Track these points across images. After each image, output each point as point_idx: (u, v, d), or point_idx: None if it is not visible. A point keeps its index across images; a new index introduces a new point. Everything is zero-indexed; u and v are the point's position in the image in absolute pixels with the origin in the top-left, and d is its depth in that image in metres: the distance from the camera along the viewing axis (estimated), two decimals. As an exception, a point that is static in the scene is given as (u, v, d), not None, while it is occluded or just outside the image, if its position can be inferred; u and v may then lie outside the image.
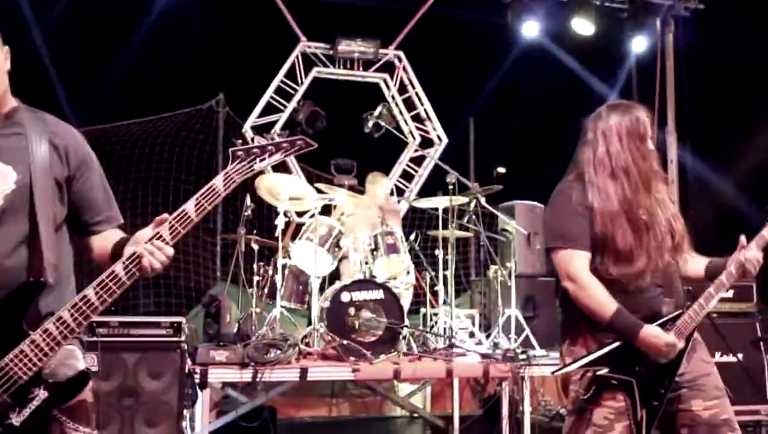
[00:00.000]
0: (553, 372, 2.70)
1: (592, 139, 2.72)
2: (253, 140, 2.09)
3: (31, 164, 2.03)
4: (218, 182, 2.01)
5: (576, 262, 2.59)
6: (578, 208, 2.62)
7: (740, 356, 5.19)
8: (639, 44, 8.60)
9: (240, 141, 2.09)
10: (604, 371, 2.50)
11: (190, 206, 1.99)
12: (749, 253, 2.60)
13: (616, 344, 2.52)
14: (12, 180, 2.01)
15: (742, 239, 2.63)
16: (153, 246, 1.94)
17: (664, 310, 2.59)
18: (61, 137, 2.13)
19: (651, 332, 2.50)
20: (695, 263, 2.74)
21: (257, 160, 2.03)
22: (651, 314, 2.56)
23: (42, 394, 1.87)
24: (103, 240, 2.17)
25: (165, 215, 2.00)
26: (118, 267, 1.93)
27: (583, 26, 8.36)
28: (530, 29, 8.43)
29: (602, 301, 2.53)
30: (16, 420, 1.84)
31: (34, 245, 1.98)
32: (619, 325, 2.51)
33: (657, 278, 2.59)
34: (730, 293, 5.26)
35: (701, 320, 2.60)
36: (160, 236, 1.96)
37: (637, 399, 2.49)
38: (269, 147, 2.05)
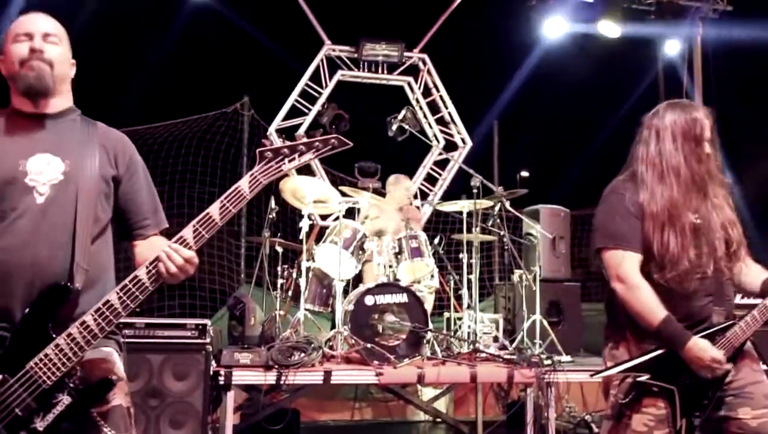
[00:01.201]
0: (592, 375, 2.65)
1: (647, 136, 2.64)
2: (283, 139, 2.02)
3: (79, 159, 2.06)
4: (243, 184, 1.96)
5: (627, 263, 2.51)
6: (631, 208, 2.54)
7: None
8: (672, 47, 8.49)
9: (269, 141, 2.01)
10: (645, 377, 2.44)
11: (214, 209, 1.96)
12: None
13: (661, 351, 2.46)
14: (60, 171, 2.04)
15: None
16: (170, 249, 1.92)
17: (714, 319, 2.51)
18: (111, 141, 2.17)
19: (699, 345, 2.42)
20: (752, 275, 2.64)
21: (286, 160, 1.96)
22: (699, 322, 2.49)
23: (66, 400, 1.86)
24: (147, 247, 2.17)
25: None
26: (141, 272, 1.92)
27: (609, 28, 8.30)
28: (555, 31, 8.38)
29: (651, 306, 2.46)
30: (40, 425, 1.84)
31: (70, 246, 1.99)
32: (666, 333, 2.44)
33: (707, 286, 2.51)
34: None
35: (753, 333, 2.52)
36: (183, 239, 1.94)
37: (678, 408, 2.43)
38: (300, 146, 1.97)
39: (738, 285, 2.65)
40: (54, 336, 1.87)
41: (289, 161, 1.97)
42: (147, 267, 1.93)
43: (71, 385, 1.88)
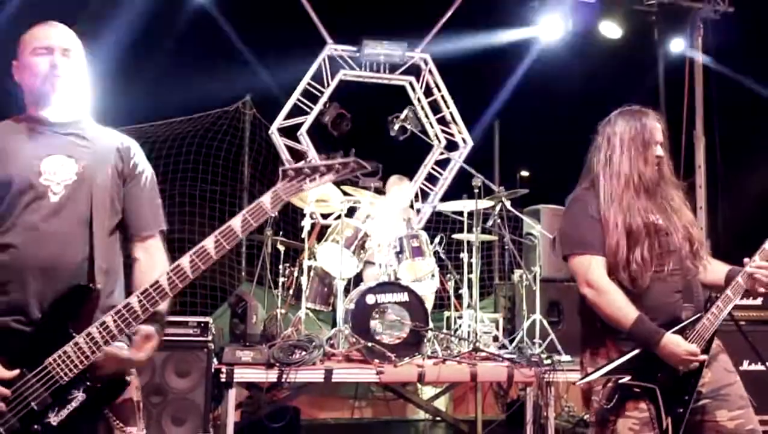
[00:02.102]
0: (575, 382, 2.68)
1: (599, 144, 2.76)
2: (303, 157, 2.09)
3: (92, 161, 2.13)
4: (266, 199, 2.04)
5: (594, 268, 2.57)
6: (594, 214, 2.63)
7: (769, 364, 5.11)
8: (676, 45, 8.49)
9: (291, 162, 2.10)
10: (626, 379, 2.47)
11: (236, 223, 2.01)
12: (753, 264, 2.59)
13: (637, 351, 2.50)
14: (74, 171, 2.10)
15: (746, 260, 2.63)
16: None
17: (683, 315, 2.56)
18: (122, 143, 2.26)
19: (672, 340, 2.47)
20: (714, 271, 2.72)
21: (307, 180, 2.05)
22: (670, 320, 2.53)
23: (81, 396, 1.91)
24: (142, 249, 2.23)
25: None
26: (163, 278, 1.97)
27: (611, 29, 8.31)
28: (556, 32, 8.40)
29: (622, 307, 2.51)
30: (54, 419, 1.89)
31: (88, 246, 2.04)
32: (639, 332, 2.48)
33: (676, 284, 2.57)
34: (759, 301, 5.19)
35: (721, 326, 2.57)
36: (204, 249, 1.99)
37: (662, 406, 2.46)
38: (321, 168, 2.05)
39: (702, 282, 2.70)
40: (74, 334, 1.92)
41: (310, 181, 2.05)
42: (168, 274, 1.98)
43: (87, 383, 1.93)
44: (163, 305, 2.06)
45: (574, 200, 2.76)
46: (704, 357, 2.50)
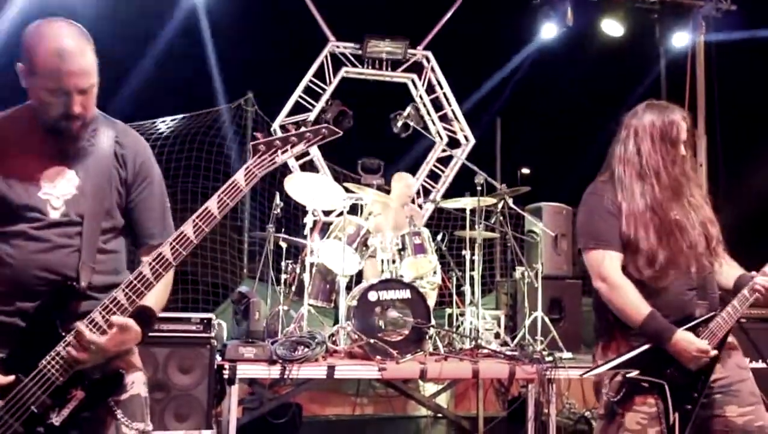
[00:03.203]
0: (582, 374, 2.68)
1: (625, 136, 2.70)
2: (275, 132, 2.02)
3: (92, 170, 2.06)
4: (239, 177, 1.98)
5: (608, 263, 2.57)
6: (610, 208, 2.61)
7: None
8: (678, 42, 8.49)
9: (261, 135, 2.03)
10: (634, 373, 2.48)
11: (212, 204, 1.97)
12: (760, 280, 2.58)
13: (647, 346, 2.50)
14: (74, 185, 2.04)
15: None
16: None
17: (697, 313, 2.56)
18: (124, 146, 2.14)
19: (683, 337, 2.47)
20: (727, 274, 2.70)
21: (279, 152, 1.99)
22: (683, 317, 2.53)
23: (79, 394, 1.91)
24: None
25: None
26: (146, 268, 1.95)
27: (612, 27, 8.31)
28: (558, 29, 8.41)
29: (634, 303, 2.51)
30: (56, 420, 1.88)
31: (78, 250, 2.01)
32: (651, 328, 2.49)
33: (690, 281, 2.56)
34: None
35: (735, 324, 2.57)
36: (184, 234, 1.95)
37: (670, 402, 2.47)
38: (291, 138, 2.01)
39: (717, 281, 2.69)
40: (63, 334, 1.91)
41: (282, 153, 2.00)
42: (150, 263, 1.95)
43: (85, 381, 1.93)
44: (154, 301, 2.03)
45: (590, 194, 2.72)
46: (715, 352, 2.50)
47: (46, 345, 1.90)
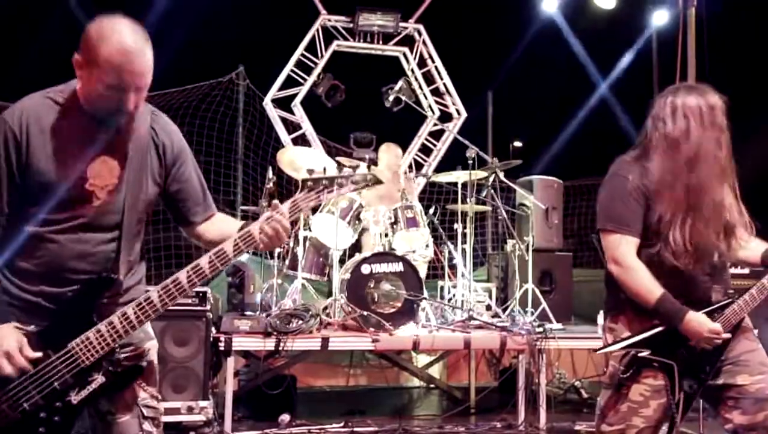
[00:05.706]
0: (595, 351, 2.73)
1: (668, 113, 2.60)
2: (324, 170, 2.16)
3: (134, 160, 2.13)
4: (285, 208, 2.11)
5: (623, 247, 2.57)
6: (633, 191, 2.57)
7: None
8: (660, 17, 8.51)
9: (312, 171, 2.19)
10: (645, 353, 2.52)
11: (254, 228, 2.09)
12: None
13: (659, 328, 2.54)
14: (116, 175, 2.11)
15: None
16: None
17: (714, 297, 2.59)
18: (160, 134, 2.21)
19: (696, 318, 2.50)
20: (751, 249, 2.70)
21: (325, 192, 2.14)
22: (701, 301, 2.56)
23: (100, 379, 2.03)
24: (216, 225, 2.30)
25: (276, 202, 2.12)
26: (182, 275, 2.06)
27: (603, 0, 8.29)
28: (550, 3, 8.39)
29: (647, 285, 2.53)
30: (75, 398, 2.01)
31: (118, 242, 2.11)
32: (663, 309, 2.51)
33: (707, 266, 2.58)
34: (747, 270, 5.24)
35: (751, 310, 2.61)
36: (222, 250, 2.07)
37: (677, 382, 2.52)
38: (340, 180, 2.16)
39: (737, 260, 2.70)
40: (96, 321, 2.03)
41: (328, 192, 2.15)
42: (187, 272, 2.06)
43: (108, 368, 2.05)
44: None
45: (615, 174, 2.65)
46: (727, 335, 2.53)
47: (79, 329, 2.02)
